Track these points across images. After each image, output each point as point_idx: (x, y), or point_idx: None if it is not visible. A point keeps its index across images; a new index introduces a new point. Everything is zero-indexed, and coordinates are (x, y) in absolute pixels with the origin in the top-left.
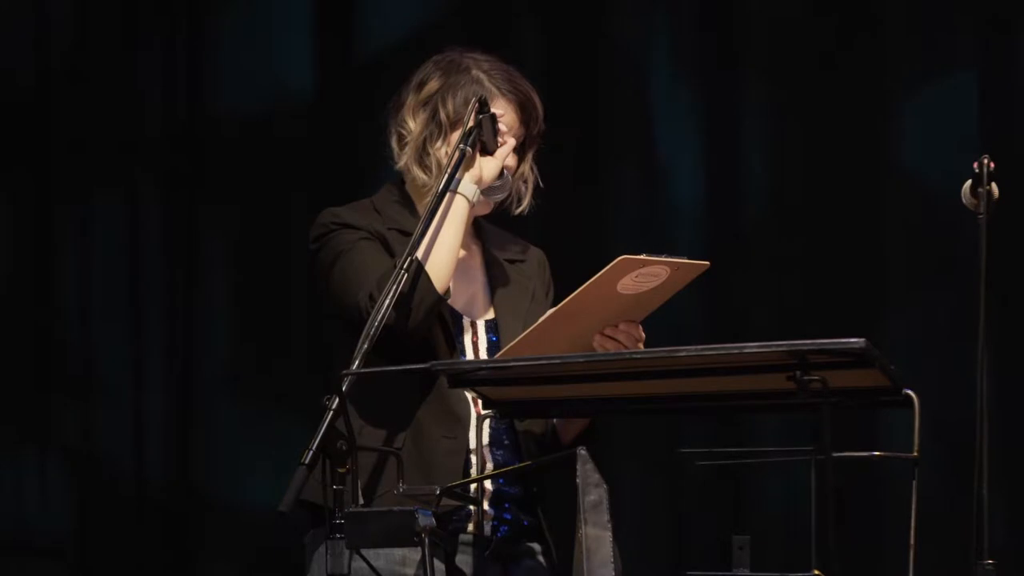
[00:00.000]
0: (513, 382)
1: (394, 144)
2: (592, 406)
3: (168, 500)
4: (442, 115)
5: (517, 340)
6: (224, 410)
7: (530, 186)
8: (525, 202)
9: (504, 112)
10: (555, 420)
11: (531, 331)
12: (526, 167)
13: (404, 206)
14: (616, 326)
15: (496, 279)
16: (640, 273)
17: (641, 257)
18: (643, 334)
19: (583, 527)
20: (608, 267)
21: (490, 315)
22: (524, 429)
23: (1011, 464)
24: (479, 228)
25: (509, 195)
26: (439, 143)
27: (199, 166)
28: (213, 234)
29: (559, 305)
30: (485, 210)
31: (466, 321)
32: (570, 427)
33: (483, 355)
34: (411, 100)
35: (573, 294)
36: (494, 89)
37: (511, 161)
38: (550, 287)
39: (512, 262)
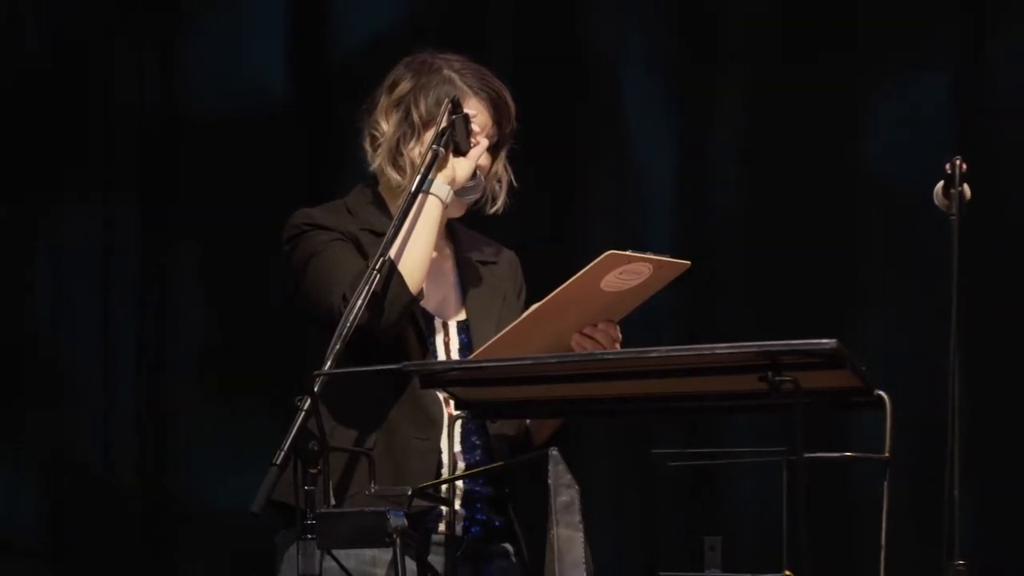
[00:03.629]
0: (485, 383)
1: (367, 146)
2: (565, 407)
3: (140, 501)
4: (414, 116)
5: (498, 336)
6: (196, 411)
7: (504, 185)
8: (499, 202)
9: (477, 112)
10: (528, 421)
11: (513, 327)
12: (499, 166)
13: (377, 207)
14: (595, 325)
15: (468, 280)
16: (624, 270)
17: (627, 253)
18: (620, 334)
19: (555, 528)
20: (595, 262)
21: (462, 316)
22: (496, 431)
23: (982, 465)
24: (451, 229)
25: (483, 195)
26: (412, 144)
27: (172, 166)
28: (185, 235)
29: (543, 300)
30: (459, 211)
31: (438, 322)
32: (543, 428)
33: (455, 356)
34: (383, 102)
35: (558, 289)
36: (466, 88)
37: (484, 161)
38: (522, 289)
39: (484, 263)
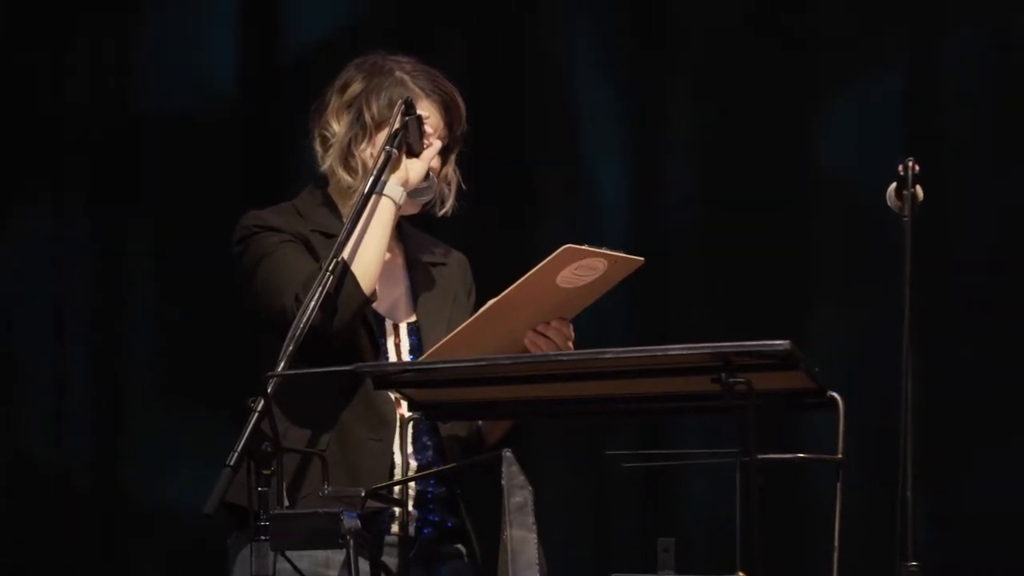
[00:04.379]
0: (439, 384)
1: (318, 147)
2: (518, 408)
3: (92, 499)
4: (366, 117)
5: (454, 333)
6: (149, 409)
7: (453, 188)
8: (448, 204)
9: (428, 114)
10: (480, 423)
11: (469, 323)
12: (449, 169)
13: (327, 208)
14: (548, 323)
15: (418, 282)
16: (579, 265)
17: (584, 248)
18: (573, 332)
19: (508, 529)
20: (551, 256)
21: (412, 318)
22: (448, 432)
23: (935, 466)
24: (401, 231)
25: (433, 197)
26: (364, 145)
27: (125, 165)
28: (137, 233)
29: (500, 296)
30: (412, 210)
31: (389, 324)
32: (495, 429)
33: (405, 357)
34: (334, 102)
35: (514, 284)
36: (418, 90)
37: (435, 163)
38: (472, 289)
39: (434, 265)
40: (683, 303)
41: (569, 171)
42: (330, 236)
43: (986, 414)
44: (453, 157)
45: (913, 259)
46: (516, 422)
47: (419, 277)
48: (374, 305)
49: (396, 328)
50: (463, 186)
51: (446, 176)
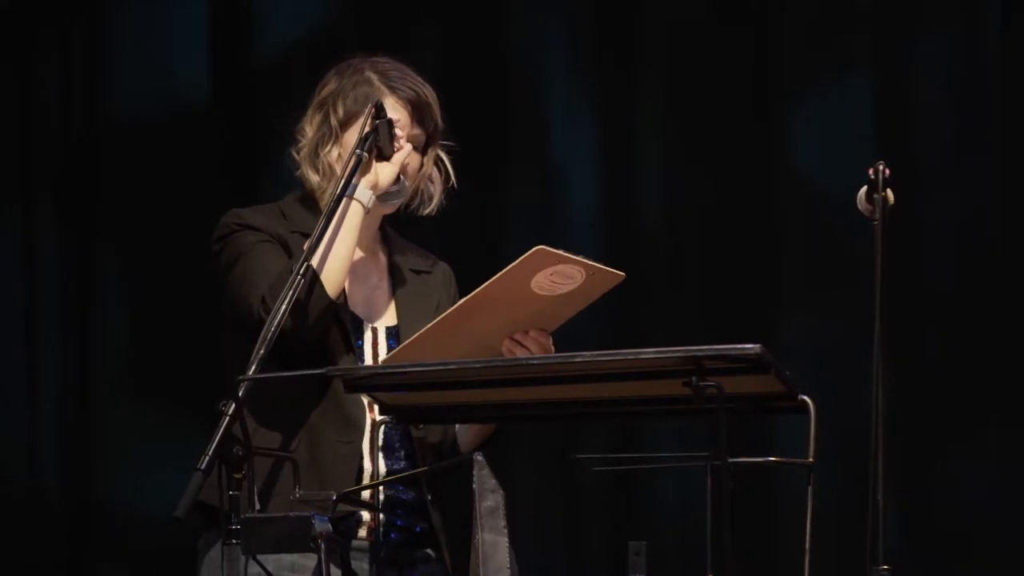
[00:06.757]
0: (409, 388)
1: (294, 150)
2: (490, 412)
3: (63, 503)
4: (332, 119)
5: (423, 331)
6: (119, 414)
7: (438, 185)
8: (435, 202)
9: (396, 112)
10: (456, 429)
11: (439, 322)
12: (430, 165)
13: (309, 209)
14: (527, 332)
15: (400, 286)
16: (555, 271)
17: (558, 252)
18: (552, 345)
19: (479, 533)
20: (523, 257)
21: (391, 321)
22: (420, 437)
23: (906, 469)
24: (386, 235)
25: (417, 196)
26: (330, 146)
27: (95, 171)
28: (107, 239)
29: (470, 295)
30: (389, 209)
31: (367, 326)
32: (470, 436)
33: (382, 360)
34: (312, 106)
35: (485, 284)
36: (385, 88)
37: (414, 161)
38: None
39: (418, 272)
40: (654, 306)
41: (540, 176)
42: (309, 237)
43: (957, 418)
44: (433, 154)
45: (884, 263)
46: (492, 430)
47: (401, 282)
48: (352, 307)
49: (374, 331)
50: (454, 183)
51: (427, 174)
